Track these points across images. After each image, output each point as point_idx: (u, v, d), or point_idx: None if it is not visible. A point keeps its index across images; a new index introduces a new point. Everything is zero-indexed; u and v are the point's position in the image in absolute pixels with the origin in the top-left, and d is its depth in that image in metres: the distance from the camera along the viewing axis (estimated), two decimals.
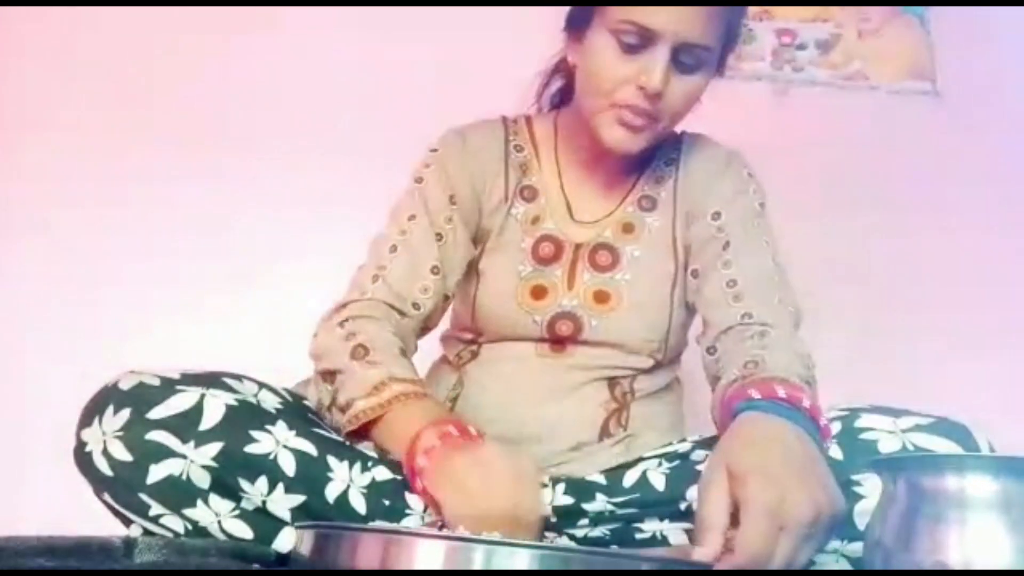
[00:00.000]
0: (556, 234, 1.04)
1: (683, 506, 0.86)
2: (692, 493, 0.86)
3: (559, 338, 1.01)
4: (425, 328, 1.02)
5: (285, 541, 0.80)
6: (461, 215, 1.03)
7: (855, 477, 0.76)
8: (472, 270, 1.05)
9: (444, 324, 1.10)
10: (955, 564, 0.52)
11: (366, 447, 0.87)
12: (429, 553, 0.56)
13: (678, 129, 1.08)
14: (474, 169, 1.05)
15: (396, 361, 0.89)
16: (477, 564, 0.55)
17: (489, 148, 1.07)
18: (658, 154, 1.08)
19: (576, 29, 0.99)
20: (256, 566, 0.75)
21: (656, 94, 0.91)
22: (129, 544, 0.66)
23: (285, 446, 0.80)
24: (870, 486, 0.75)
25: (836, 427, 0.80)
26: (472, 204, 1.04)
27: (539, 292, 1.02)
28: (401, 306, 0.97)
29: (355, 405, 0.85)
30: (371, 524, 0.81)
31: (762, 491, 0.63)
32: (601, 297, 1.01)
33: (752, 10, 1.86)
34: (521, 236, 1.04)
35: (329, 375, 0.89)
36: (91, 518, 0.79)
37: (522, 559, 0.55)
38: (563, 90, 1.13)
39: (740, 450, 0.68)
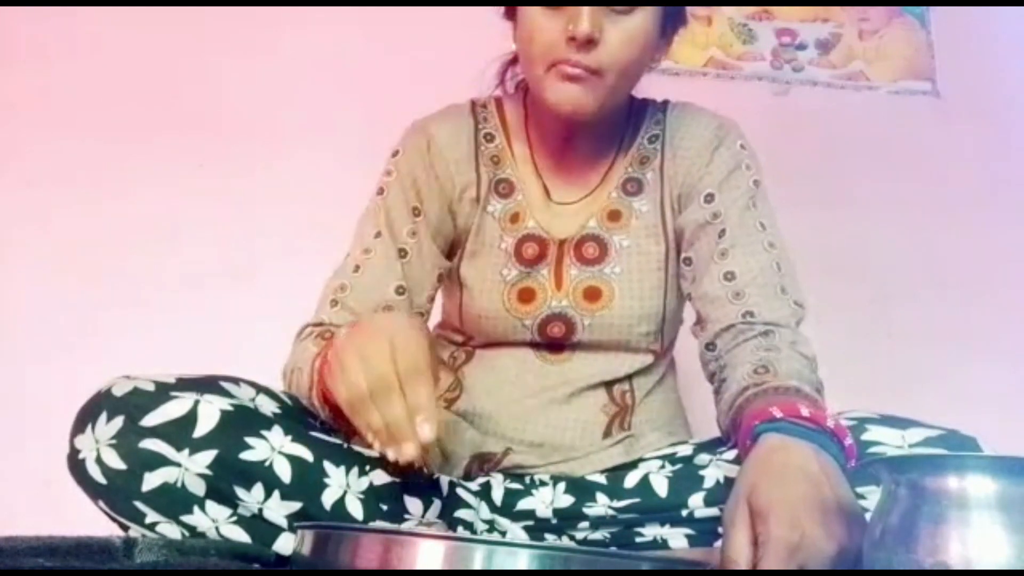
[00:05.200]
0: (538, 232, 0.99)
1: (685, 512, 0.86)
2: (695, 500, 0.86)
3: (553, 341, 0.98)
4: None
5: (284, 546, 0.79)
6: (428, 226, 0.98)
7: (860, 490, 0.75)
8: (455, 276, 1.01)
9: (435, 319, 1.09)
10: (955, 564, 0.52)
11: (364, 450, 0.87)
12: (429, 553, 0.56)
13: (660, 98, 1.04)
14: (441, 170, 1.00)
15: None
16: (477, 564, 0.55)
17: (457, 144, 1.01)
18: (640, 131, 1.02)
19: (511, 14, 0.96)
20: (256, 566, 0.75)
21: (588, 40, 0.85)
22: (129, 544, 0.66)
23: (280, 452, 0.79)
24: (875, 500, 0.74)
25: None
26: (441, 211, 1.00)
27: (526, 295, 0.98)
28: None
29: (309, 374, 0.83)
30: (371, 524, 0.81)
31: (783, 530, 0.61)
32: (592, 294, 0.97)
33: (752, 10, 1.86)
34: (500, 236, 1.00)
35: (298, 374, 0.88)
36: (91, 518, 0.79)
37: (522, 559, 0.55)
38: None
39: (764, 485, 0.66)
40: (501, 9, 0.99)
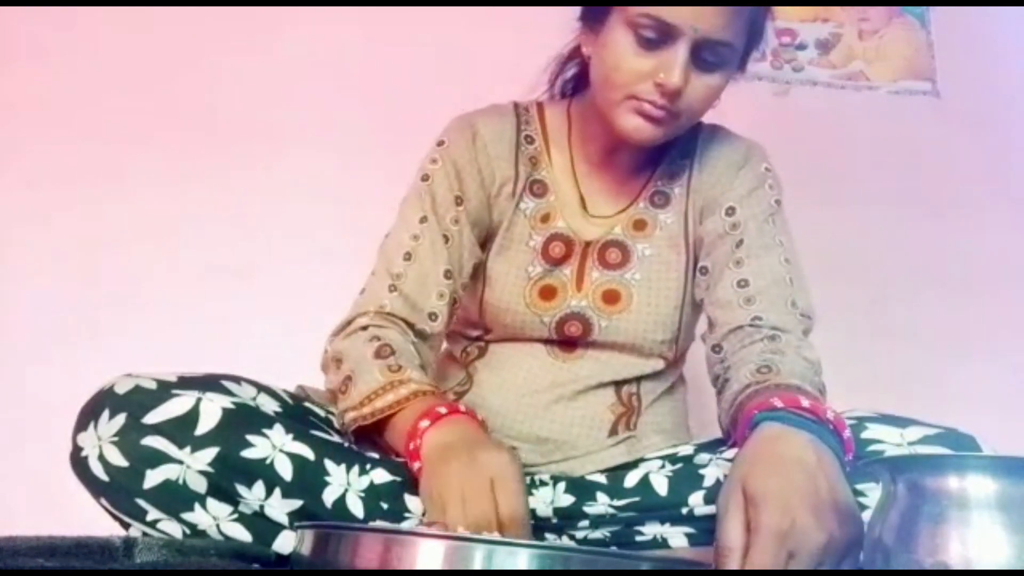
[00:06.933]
0: (567, 233, 1.02)
1: (685, 511, 0.86)
2: (695, 499, 0.86)
3: (568, 339, 1.00)
4: (441, 339, 1.00)
5: (284, 544, 0.80)
6: (468, 215, 1.00)
7: (859, 487, 0.76)
8: (479, 268, 1.02)
9: None
10: (955, 564, 0.52)
11: (364, 449, 0.87)
12: (429, 553, 0.56)
13: None
14: (483, 164, 1.02)
15: (417, 369, 0.88)
16: (477, 564, 0.55)
17: (500, 141, 1.03)
18: (673, 148, 1.05)
19: (592, 20, 0.96)
20: (256, 566, 0.75)
21: (675, 91, 0.88)
22: (129, 544, 0.66)
23: (282, 450, 0.80)
24: (875, 497, 0.75)
25: None
26: (481, 202, 1.01)
27: (547, 292, 1.00)
28: (417, 319, 0.95)
29: (373, 403, 0.84)
30: (371, 524, 0.81)
31: (774, 517, 0.62)
32: (610, 297, 0.99)
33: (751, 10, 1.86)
34: (529, 233, 1.02)
35: (348, 379, 0.87)
36: (91, 518, 0.79)
37: (522, 559, 0.55)
38: (577, 77, 1.09)
39: (758, 473, 0.66)
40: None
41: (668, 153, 1.05)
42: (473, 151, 1.02)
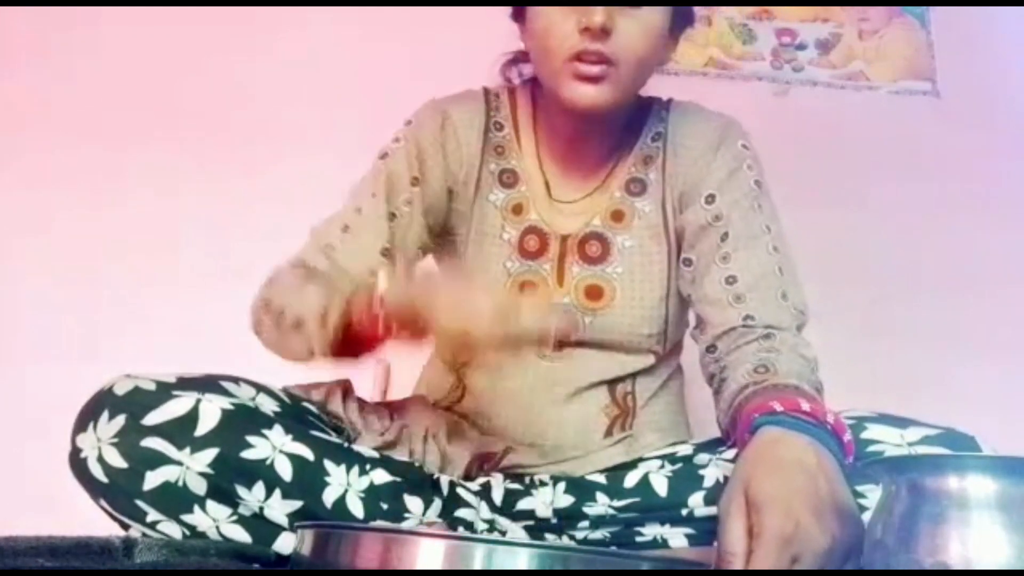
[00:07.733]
0: (540, 225, 1.00)
1: (684, 512, 0.86)
2: (695, 499, 0.86)
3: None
4: None
5: (284, 545, 0.80)
6: (424, 198, 0.98)
7: (859, 488, 0.76)
8: (459, 263, 1.01)
9: None
10: (955, 564, 0.52)
11: (364, 449, 0.87)
12: (429, 552, 0.56)
13: (665, 96, 1.04)
14: (451, 150, 1.00)
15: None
16: (477, 564, 0.55)
17: (471, 129, 1.01)
18: (644, 130, 1.02)
19: (520, 15, 0.97)
20: (256, 566, 0.75)
21: (603, 30, 0.86)
22: (129, 544, 0.66)
23: (282, 451, 0.80)
24: (875, 498, 0.75)
25: None
26: (440, 190, 1.00)
27: (528, 288, 0.98)
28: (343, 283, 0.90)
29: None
30: (371, 524, 0.81)
31: (777, 521, 0.61)
32: (593, 293, 0.97)
33: (752, 10, 1.86)
34: (501, 225, 1.00)
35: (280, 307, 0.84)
36: (91, 518, 0.79)
37: (522, 559, 0.55)
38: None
39: (760, 476, 0.65)
40: (508, 9, 0.99)
41: (638, 136, 1.02)
42: (442, 136, 1.00)
